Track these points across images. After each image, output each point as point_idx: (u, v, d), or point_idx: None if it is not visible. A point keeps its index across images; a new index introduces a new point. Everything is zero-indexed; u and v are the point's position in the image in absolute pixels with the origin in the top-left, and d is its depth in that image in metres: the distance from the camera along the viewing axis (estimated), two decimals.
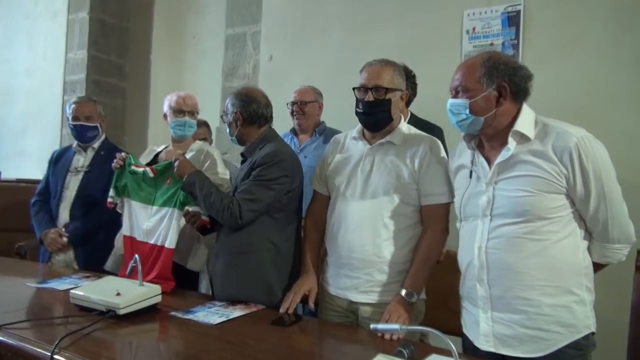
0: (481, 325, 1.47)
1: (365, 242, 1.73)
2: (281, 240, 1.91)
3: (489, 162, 1.50)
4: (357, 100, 1.78)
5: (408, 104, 2.54)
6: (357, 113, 1.79)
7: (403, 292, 1.67)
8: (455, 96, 1.50)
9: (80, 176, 2.58)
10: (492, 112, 1.45)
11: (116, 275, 2.11)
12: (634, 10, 2.51)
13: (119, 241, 2.28)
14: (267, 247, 1.88)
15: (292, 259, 1.94)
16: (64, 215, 2.54)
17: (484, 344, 1.45)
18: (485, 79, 1.44)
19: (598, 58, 2.59)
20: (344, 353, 1.50)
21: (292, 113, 2.79)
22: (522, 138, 1.43)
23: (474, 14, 2.96)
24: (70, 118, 2.62)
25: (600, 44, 2.59)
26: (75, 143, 2.67)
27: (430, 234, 1.73)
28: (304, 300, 1.81)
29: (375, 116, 1.76)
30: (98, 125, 2.64)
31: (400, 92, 1.78)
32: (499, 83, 1.44)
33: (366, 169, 1.78)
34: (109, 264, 2.31)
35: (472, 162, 1.54)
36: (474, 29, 2.97)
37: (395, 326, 1.34)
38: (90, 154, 2.63)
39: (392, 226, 1.73)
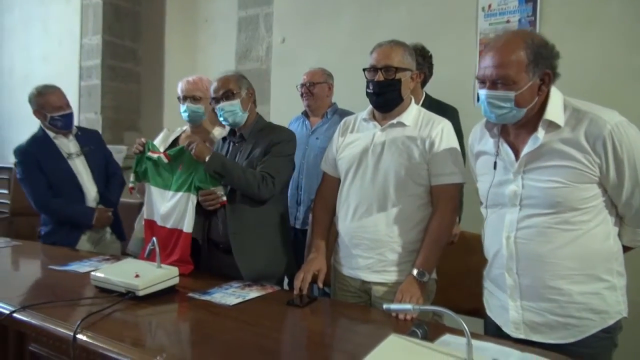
0: (510, 313, 1.45)
1: (377, 222, 1.74)
2: (284, 213, 2.11)
3: (515, 150, 1.44)
4: (368, 81, 1.78)
5: (424, 84, 2.53)
6: (367, 94, 1.80)
7: (414, 271, 1.68)
8: (493, 87, 1.35)
9: (82, 159, 2.63)
10: (534, 102, 1.36)
11: (136, 258, 2.16)
12: None
13: (139, 224, 2.34)
14: (278, 220, 2.04)
15: (289, 232, 2.14)
16: (92, 196, 2.61)
17: (514, 332, 1.44)
18: (532, 68, 1.32)
19: (616, 34, 2.52)
20: (357, 333, 1.52)
21: (301, 95, 2.79)
22: (551, 126, 1.36)
23: None
24: (48, 110, 2.54)
25: (618, 20, 2.52)
26: (46, 132, 2.59)
27: (441, 214, 1.73)
28: (313, 279, 1.83)
29: (386, 96, 1.76)
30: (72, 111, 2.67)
31: (410, 72, 1.77)
32: (545, 71, 1.34)
33: (377, 150, 1.78)
34: (130, 247, 2.37)
35: (497, 151, 1.47)
36: (489, 5, 2.91)
37: (408, 306, 1.36)
38: (72, 137, 2.66)
39: (404, 206, 1.74)
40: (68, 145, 2.64)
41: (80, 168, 2.62)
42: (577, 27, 2.58)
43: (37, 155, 2.54)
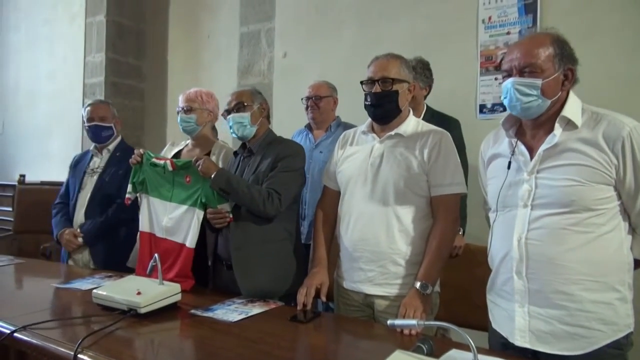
0: (517, 320, 1.41)
1: (378, 234, 1.73)
2: (293, 229, 2.04)
3: (531, 151, 1.43)
4: (365, 94, 1.80)
5: (425, 97, 2.53)
6: (365, 106, 1.81)
7: (417, 284, 1.66)
8: (520, 75, 1.38)
9: (95, 177, 2.63)
10: (557, 96, 1.38)
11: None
12: None
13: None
14: (285, 236, 2.00)
15: (302, 249, 2.07)
16: (79, 216, 2.59)
17: (519, 340, 1.40)
18: (557, 60, 1.36)
19: (617, 44, 2.52)
20: (362, 349, 1.50)
21: (306, 108, 2.79)
22: (568, 125, 1.37)
23: (489, 2, 2.92)
24: (85, 120, 2.70)
25: (619, 29, 2.53)
26: (92, 146, 2.73)
27: (441, 225, 1.72)
28: (317, 294, 1.82)
29: (383, 107, 1.77)
30: (112, 125, 2.70)
31: (407, 83, 1.79)
32: (568, 67, 1.38)
33: (376, 162, 1.78)
34: (131, 260, 2.35)
35: (512, 152, 1.46)
36: (490, 18, 2.92)
37: (413, 322, 1.34)
38: (105, 155, 2.69)
39: (404, 218, 1.73)
40: (95, 161, 2.69)
41: (88, 187, 2.62)
42: (577, 38, 2.52)
43: (73, 164, 2.78)
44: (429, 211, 1.76)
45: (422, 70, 2.46)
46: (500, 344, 1.48)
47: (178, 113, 2.33)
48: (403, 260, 1.73)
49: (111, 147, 2.70)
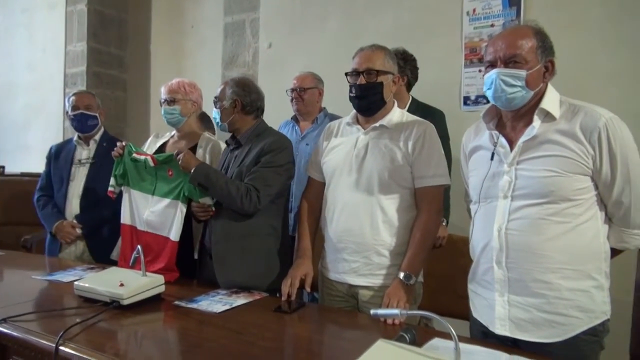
0: (497, 308, 1.44)
1: (363, 225, 1.74)
2: (279, 224, 2.00)
3: (511, 143, 1.46)
4: (350, 85, 1.79)
5: (409, 88, 2.53)
6: (350, 98, 1.80)
7: (401, 274, 1.68)
8: (505, 66, 1.39)
9: (86, 168, 2.60)
10: (539, 88, 1.41)
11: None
12: None
13: None
14: (268, 232, 1.96)
15: (289, 244, 2.02)
16: (73, 207, 2.56)
17: (499, 328, 1.43)
18: (540, 52, 1.39)
19: (599, 38, 2.55)
20: (345, 339, 1.51)
21: (291, 99, 2.77)
22: (547, 117, 1.40)
23: None
24: (70, 109, 2.65)
25: (601, 23, 2.55)
26: (75, 136, 2.69)
27: (425, 216, 1.73)
28: (301, 285, 1.82)
29: (368, 99, 1.77)
30: (97, 115, 2.66)
31: (392, 75, 1.79)
32: (549, 59, 1.41)
33: (360, 154, 1.78)
34: (114, 254, 2.33)
35: (494, 144, 1.48)
36: (474, 10, 2.93)
37: (396, 311, 1.35)
38: (92, 145, 2.66)
39: (389, 209, 1.74)
40: (82, 152, 2.64)
41: (78, 177, 2.59)
42: (559, 31, 2.56)
43: (53, 155, 2.70)
44: (412, 202, 1.77)
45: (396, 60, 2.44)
46: (480, 333, 1.51)
47: (161, 105, 2.31)
48: (387, 251, 1.74)
49: (97, 137, 2.67)
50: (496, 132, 1.49)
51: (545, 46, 1.40)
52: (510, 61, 1.39)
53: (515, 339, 1.42)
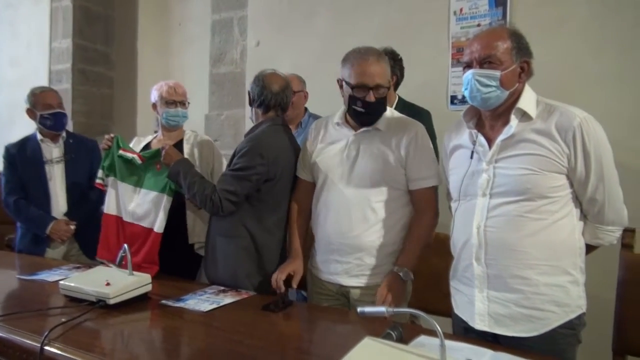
0: (476, 304, 1.47)
1: (355, 227, 1.74)
2: (257, 229, 1.90)
3: (489, 142, 1.48)
4: (355, 98, 1.71)
5: (396, 87, 2.54)
6: (354, 111, 1.74)
7: (401, 272, 1.69)
8: (480, 66, 1.43)
9: (61, 165, 2.57)
10: (514, 87, 1.43)
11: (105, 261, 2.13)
12: None
13: None
14: (241, 234, 1.90)
15: (270, 254, 1.92)
16: (60, 206, 2.54)
17: (479, 324, 1.46)
18: (515, 53, 1.42)
19: (584, 38, 2.58)
20: (333, 337, 1.52)
21: None
22: (524, 117, 1.43)
23: None
24: (38, 108, 2.55)
25: (586, 24, 2.58)
26: (38, 135, 2.61)
27: (424, 218, 1.76)
28: (288, 281, 1.82)
29: (376, 115, 1.76)
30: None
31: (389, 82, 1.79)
32: (525, 59, 1.43)
33: (352, 155, 1.78)
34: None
35: (473, 142, 1.51)
36: (461, 10, 2.95)
37: (382, 309, 1.35)
38: (61, 142, 2.62)
39: (380, 210, 1.74)
40: (52, 150, 2.59)
41: (56, 175, 2.56)
42: (545, 31, 2.63)
43: (17, 155, 2.57)
44: (404, 203, 1.78)
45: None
46: (462, 329, 1.54)
47: (169, 105, 2.26)
48: (378, 252, 1.75)
49: (64, 134, 2.65)
50: (475, 131, 1.52)
51: (520, 47, 1.42)
52: (485, 62, 1.42)
53: (495, 334, 1.45)
